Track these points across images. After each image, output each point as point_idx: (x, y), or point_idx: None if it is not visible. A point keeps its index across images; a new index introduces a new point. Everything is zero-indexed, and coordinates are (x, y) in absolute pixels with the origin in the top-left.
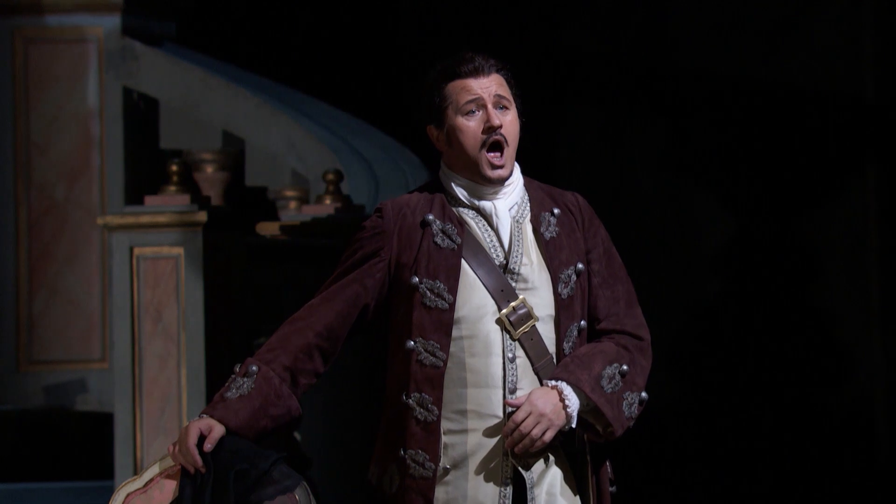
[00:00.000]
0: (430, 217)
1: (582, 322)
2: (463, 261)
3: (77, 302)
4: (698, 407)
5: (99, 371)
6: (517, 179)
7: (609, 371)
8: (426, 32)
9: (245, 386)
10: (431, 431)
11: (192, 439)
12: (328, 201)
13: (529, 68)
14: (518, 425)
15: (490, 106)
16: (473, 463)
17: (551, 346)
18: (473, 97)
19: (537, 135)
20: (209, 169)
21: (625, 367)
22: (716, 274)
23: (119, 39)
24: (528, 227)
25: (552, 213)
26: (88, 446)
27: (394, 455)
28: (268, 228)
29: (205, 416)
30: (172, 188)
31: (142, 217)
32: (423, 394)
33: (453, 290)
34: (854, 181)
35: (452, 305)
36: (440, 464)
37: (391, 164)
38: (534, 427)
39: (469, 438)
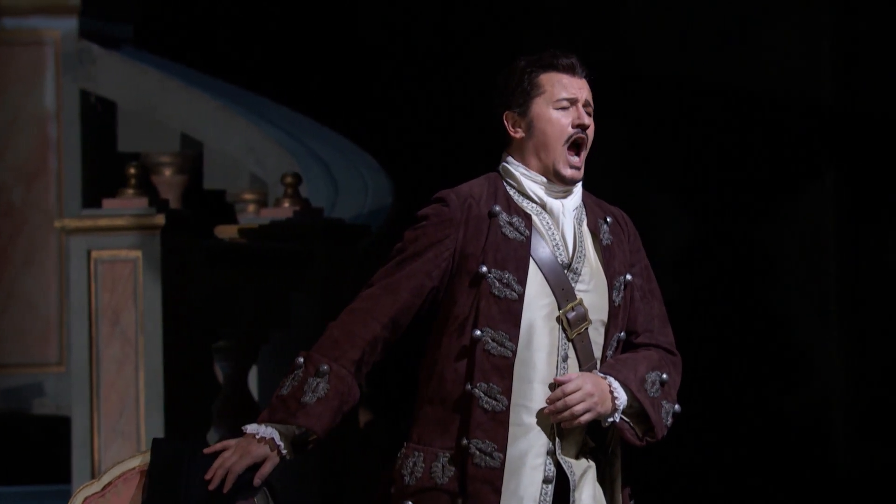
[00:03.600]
0: (497, 208)
1: (622, 333)
2: None
3: (34, 305)
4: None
5: (56, 375)
6: (580, 184)
7: (652, 376)
8: (387, 36)
9: (321, 388)
10: (501, 421)
11: (245, 464)
12: (287, 204)
13: (489, 70)
14: (565, 395)
15: (580, 106)
16: (518, 456)
17: (597, 351)
18: (570, 95)
19: (495, 136)
20: (167, 172)
21: (664, 377)
22: (673, 277)
23: (76, 42)
24: (587, 231)
25: (606, 222)
26: (46, 450)
27: (448, 444)
28: (226, 231)
29: (276, 425)
30: (130, 191)
31: (99, 220)
32: (492, 383)
33: (522, 281)
34: (811, 185)
35: (522, 296)
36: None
37: (350, 167)
38: (579, 402)
39: (514, 431)
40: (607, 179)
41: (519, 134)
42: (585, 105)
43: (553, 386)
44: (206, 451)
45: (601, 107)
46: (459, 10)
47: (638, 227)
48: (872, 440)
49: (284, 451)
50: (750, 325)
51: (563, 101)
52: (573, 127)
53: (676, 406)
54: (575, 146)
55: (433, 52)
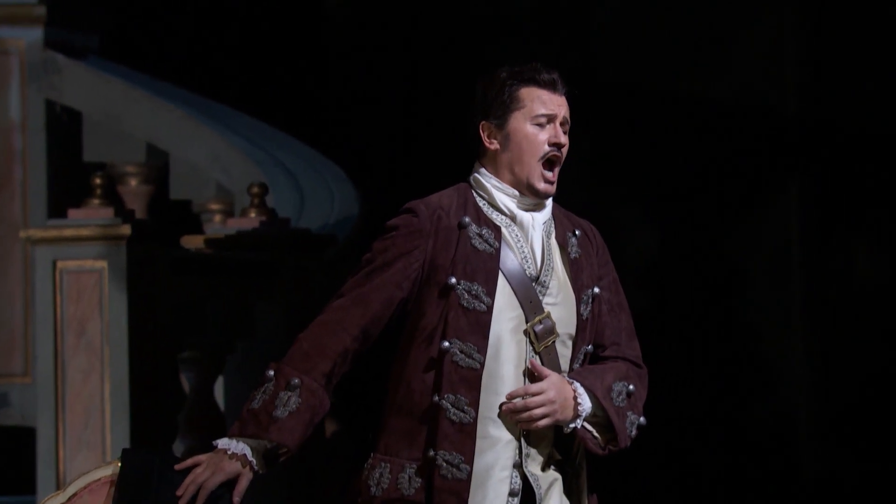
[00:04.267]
0: (467, 220)
1: (589, 346)
2: None
3: None
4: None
5: (21, 385)
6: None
7: (619, 386)
8: (352, 46)
9: (292, 402)
10: (468, 433)
11: (217, 481)
12: (253, 214)
13: (457, 80)
14: (527, 396)
15: (558, 123)
16: (484, 468)
17: (564, 364)
18: (548, 112)
19: (464, 147)
20: (133, 182)
21: (631, 388)
22: (639, 288)
23: (41, 52)
24: (555, 244)
25: (574, 235)
26: (10, 461)
27: (415, 455)
28: (192, 242)
29: (247, 439)
30: (96, 201)
31: (65, 230)
32: (459, 395)
33: (491, 292)
34: (778, 196)
35: (490, 308)
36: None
37: (316, 176)
38: (538, 407)
39: (481, 444)
40: (575, 189)
41: (494, 146)
42: (563, 122)
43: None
44: (177, 466)
45: (570, 118)
46: (427, 19)
47: (605, 238)
48: (837, 449)
49: (257, 467)
50: (716, 336)
51: (541, 118)
52: (549, 144)
53: (642, 418)
54: (549, 163)
55: (400, 61)
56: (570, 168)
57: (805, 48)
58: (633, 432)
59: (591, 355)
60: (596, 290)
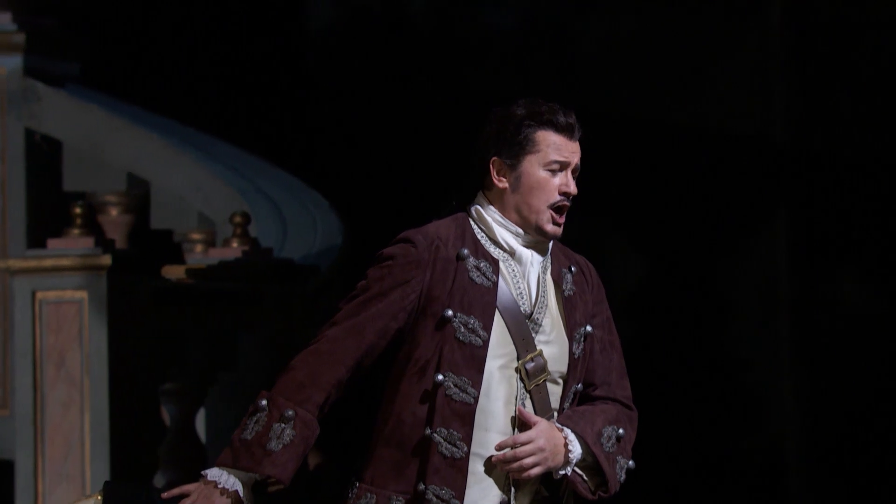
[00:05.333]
0: (465, 252)
1: (580, 385)
2: None
3: None
4: None
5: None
6: None
7: (609, 431)
8: (334, 74)
9: (286, 434)
10: (459, 468)
11: None
12: (235, 244)
13: (439, 108)
14: (516, 445)
15: (570, 171)
16: None
17: (555, 403)
18: (562, 159)
19: (448, 174)
20: (113, 211)
21: (621, 431)
22: (625, 317)
23: (21, 80)
24: (550, 281)
25: (570, 271)
26: None
27: (402, 488)
28: (174, 272)
29: (238, 472)
30: (76, 231)
31: (45, 260)
32: (452, 429)
33: (488, 327)
34: (764, 226)
35: (486, 342)
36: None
37: (299, 206)
38: (528, 456)
39: (470, 480)
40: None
41: (503, 184)
42: (574, 170)
43: (515, 424)
44: (164, 495)
45: None
46: (409, 47)
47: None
48: (826, 481)
49: (246, 502)
50: (703, 366)
51: (555, 164)
52: (560, 193)
53: (630, 462)
54: (558, 209)
55: (385, 90)
56: None
57: (792, 74)
58: (623, 476)
59: (581, 394)
60: (588, 328)
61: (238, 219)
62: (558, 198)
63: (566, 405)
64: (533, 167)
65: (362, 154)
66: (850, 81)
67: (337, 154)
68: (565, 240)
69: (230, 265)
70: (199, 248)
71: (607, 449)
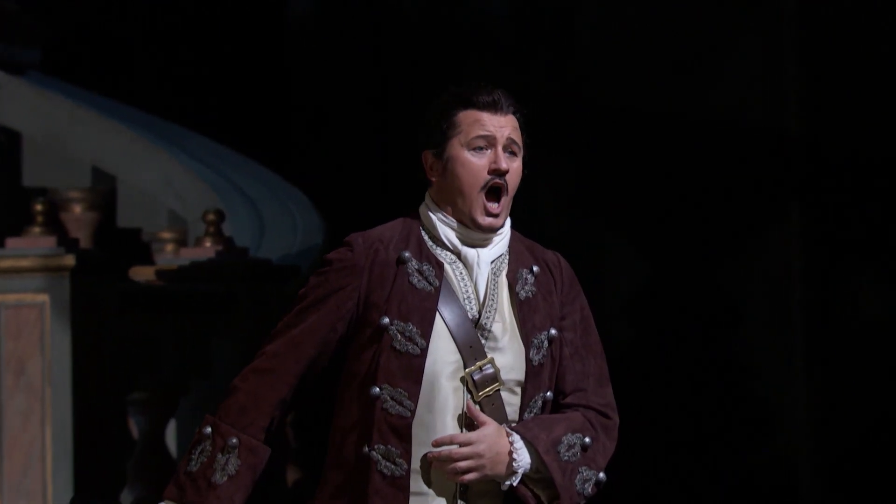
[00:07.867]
0: (407, 254)
1: (548, 393)
2: None
3: None
4: (610, 462)
5: None
6: (506, 231)
7: (570, 439)
8: (314, 63)
9: (231, 465)
10: (400, 488)
11: None
12: (208, 243)
13: (428, 103)
14: (453, 444)
15: (500, 147)
16: None
17: (513, 415)
18: (486, 133)
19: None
20: (77, 209)
21: (587, 440)
22: (628, 322)
23: None
24: (504, 283)
25: (531, 271)
26: None
27: None
28: (142, 273)
29: None
30: (37, 229)
31: (3, 261)
32: (390, 446)
33: (426, 335)
34: (776, 224)
35: (424, 351)
36: None
37: (278, 203)
38: (463, 460)
39: (414, 500)
40: (558, 217)
41: (435, 176)
42: (509, 144)
43: (463, 422)
44: None
45: (553, 140)
46: (396, 40)
47: (590, 268)
48: (840, 494)
49: None
50: (711, 374)
51: (479, 141)
52: (489, 172)
53: (601, 474)
54: (492, 193)
55: (369, 80)
56: (553, 194)
57: (805, 67)
58: (589, 490)
59: (553, 402)
60: (553, 331)
61: (211, 216)
62: (488, 177)
63: (529, 416)
64: (457, 150)
65: (345, 150)
66: (865, 72)
67: (318, 149)
68: (564, 235)
69: (203, 266)
70: (169, 247)
71: (566, 458)
